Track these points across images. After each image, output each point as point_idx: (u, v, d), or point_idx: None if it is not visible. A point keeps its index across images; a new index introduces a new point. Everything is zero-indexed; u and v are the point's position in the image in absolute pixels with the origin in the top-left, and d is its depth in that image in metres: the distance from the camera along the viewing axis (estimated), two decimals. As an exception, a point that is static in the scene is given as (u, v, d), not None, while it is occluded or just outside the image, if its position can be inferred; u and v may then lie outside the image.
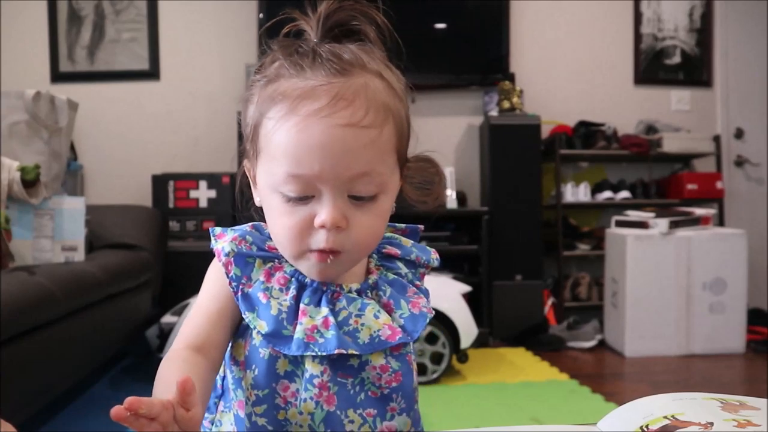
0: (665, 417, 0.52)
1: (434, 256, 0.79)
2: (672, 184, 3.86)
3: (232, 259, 0.72)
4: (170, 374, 0.63)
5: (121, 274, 2.55)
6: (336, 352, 0.67)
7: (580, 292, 3.75)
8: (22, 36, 3.65)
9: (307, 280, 0.72)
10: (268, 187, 0.69)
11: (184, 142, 3.73)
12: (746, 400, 0.54)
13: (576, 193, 3.78)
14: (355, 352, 0.69)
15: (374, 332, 0.70)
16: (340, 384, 0.70)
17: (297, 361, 0.70)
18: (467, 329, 2.76)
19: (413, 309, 0.73)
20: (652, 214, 3.31)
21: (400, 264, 0.77)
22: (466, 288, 2.93)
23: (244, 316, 0.70)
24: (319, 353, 0.68)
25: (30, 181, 2.29)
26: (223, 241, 0.74)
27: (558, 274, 3.74)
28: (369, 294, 0.74)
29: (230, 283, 0.71)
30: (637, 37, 4.04)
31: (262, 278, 0.72)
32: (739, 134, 4.11)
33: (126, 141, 3.71)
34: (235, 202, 0.81)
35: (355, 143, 0.64)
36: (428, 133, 3.47)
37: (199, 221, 3.41)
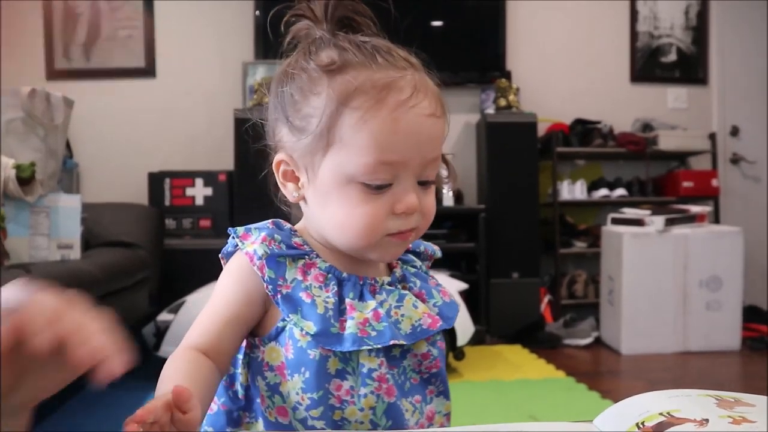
0: (661, 414, 0.52)
1: (436, 248, 0.84)
2: (668, 182, 3.87)
3: (265, 261, 0.70)
4: (174, 374, 0.63)
5: (117, 272, 2.54)
6: (391, 342, 0.69)
7: (577, 289, 3.76)
8: (17, 33, 3.63)
9: (344, 275, 0.72)
10: (342, 178, 0.68)
11: (181, 140, 3.72)
12: (741, 397, 0.55)
13: (572, 190, 3.78)
14: (404, 343, 0.71)
15: (415, 322, 0.72)
16: (393, 374, 0.71)
17: (346, 358, 0.68)
18: (464, 327, 2.76)
19: (444, 297, 0.77)
20: (648, 212, 3.31)
21: (413, 257, 0.80)
22: (463, 285, 2.93)
23: (287, 318, 0.68)
24: (375, 346, 0.68)
25: (26, 178, 2.28)
26: (251, 242, 0.71)
27: (555, 271, 3.74)
28: (399, 286, 0.76)
29: (267, 287, 0.69)
30: (633, 35, 4.04)
31: (298, 277, 0.70)
32: (734, 132, 4.11)
33: (122, 139, 3.70)
34: (273, 195, 0.81)
35: (435, 131, 0.70)
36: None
37: (196, 219, 3.40)
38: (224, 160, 3.51)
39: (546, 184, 3.78)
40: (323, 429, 0.67)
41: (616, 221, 3.42)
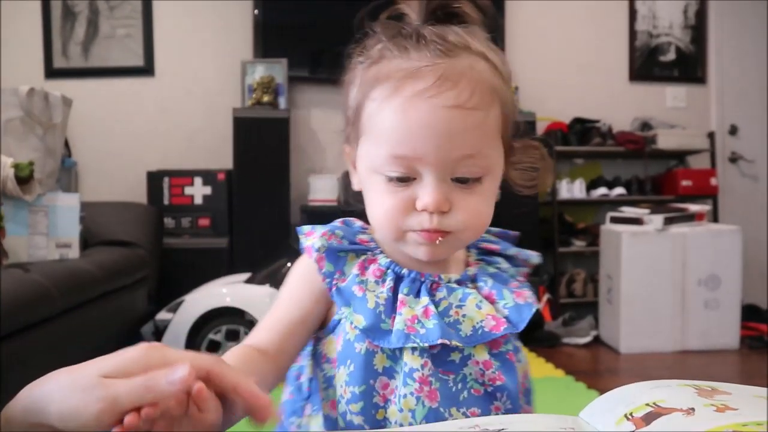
0: (647, 404, 0.53)
1: (535, 254, 0.78)
2: (667, 181, 3.87)
3: (324, 254, 0.70)
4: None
5: (116, 271, 2.54)
6: (439, 342, 0.65)
7: (576, 288, 3.76)
8: (16, 32, 3.63)
9: (404, 271, 0.70)
10: (369, 168, 0.68)
11: (180, 139, 3.72)
12: (717, 386, 0.55)
13: (571, 189, 3.79)
14: (458, 344, 0.66)
15: (477, 323, 0.67)
16: (442, 380, 0.66)
17: (396, 357, 0.66)
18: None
19: (518, 299, 0.70)
20: (647, 211, 3.32)
21: (500, 259, 0.76)
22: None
23: (338, 312, 0.69)
24: (421, 344, 0.65)
25: (24, 177, 2.28)
26: (313, 238, 0.72)
27: (553, 270, 3.75)
28: (469, 285, 0.71)
29: (323, 279, 0.69)
30: (632, 34, 4.04)
31: (356, 271, 0.70)
32: (733, 131, 4.12)
33: (121, 137, 3.70)
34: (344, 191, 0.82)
35: (461, 125, 0.63)
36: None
37: (195, 218, 3.40)
38: (223, 159, 3.52)
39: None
40: (360, 426, 0.66)
41: (615, 220, 3.43)
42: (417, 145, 0.63)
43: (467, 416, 0.66)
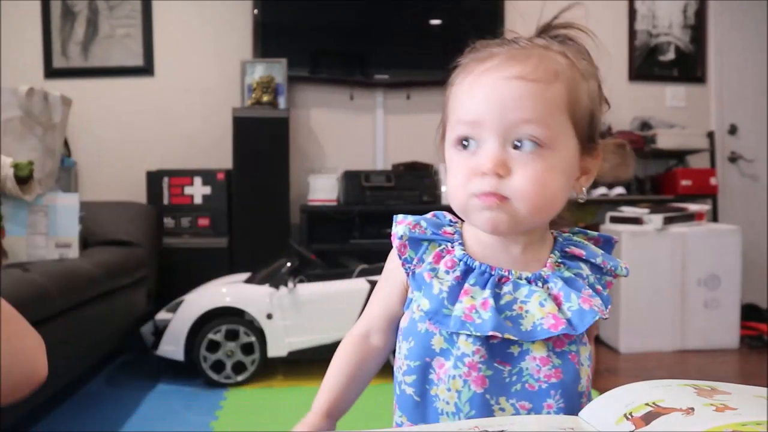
0: (647, 404, 0.53)
1: (623, 265, 0.78)
2: (666, 181, 3.87)
3: (407, 242, 0.76)
4: (336, 366, 0.79)
5: (115, 271, 2.54)
6: (490, 333, 0.68)
7: (575, 288, 3.76)
8: (15, 32, 3.63)
9: (476, 263, 0.73)
10: (448, 148, 0.74)
11: (179, 139, 3.72)
12: (716, 386, 0.55)
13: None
14: (512, 337, 0.69)
15: (537, 320, 0.70)
16: (495, 369, 0.70)
17: (453, 341, 0.71)
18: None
19: (583, 304, 0.71)
20: (646, 210, 3.32)
21: (583, 265, 0.76)
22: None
23: (411, 295, 0.75)
24: (474, 333, 0.69)
25: (24, 177, 2.28)
26: (400, 226, 0.78)
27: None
28: (539, 284, 0.73)
29: (403, 265, 0.76)
30: (632, 33, 4.04)
31: (431, 260, 0.75)
32: (732, 130, 4.12)
33: (120, 137, 3.70)
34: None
35: (519, 92, 0.68)
36: (424, 129, 3.47)
37: (194, 218, 3.40)
38: (223, 158, 3.51)
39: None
40: (411, 397, 0.73)
41: (615, 220, 3.43)
42: (480, 110, 0.69)
43: (516, 408, 0.69)
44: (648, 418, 0.51)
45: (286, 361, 2.72)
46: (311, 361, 2.71)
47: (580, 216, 3.93)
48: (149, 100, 3.72)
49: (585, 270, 0.76)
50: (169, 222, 3.39)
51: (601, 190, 3.80)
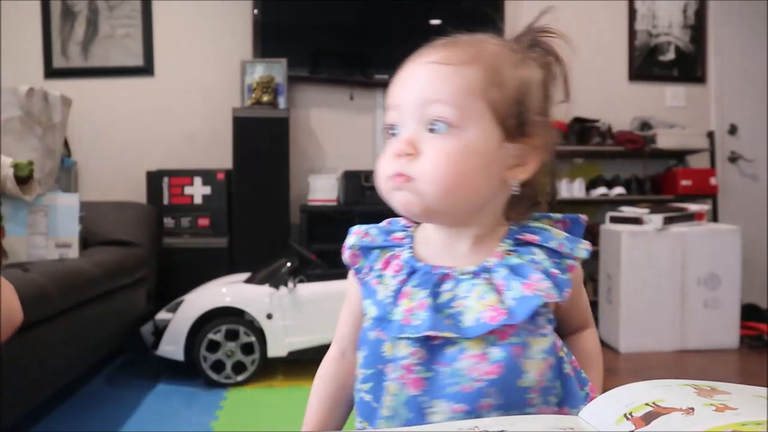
0: (647, 404, 0.53)
1: (583, 246, 0.74)
2: (666, 180, 3.87)
3: (357, 251, 0.78)
4: (317, 388, 0.83)
5: (115, 271, 2.54)
6: (425, 333, 0.67)
7: (575, 288, 3.76)
8: (15, 32, 3.63)
9: (419, 264, 0.73)
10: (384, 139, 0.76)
11: (179, 139, 3.72)
12: (716, 386, 0.55)
13: (571, 189, 3.79)
14: (450, 335, 0.67)
15: (477, 315, 0.68)
16: (435, 371, 0.68)
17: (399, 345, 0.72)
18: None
19: (525, 290, 0.68)
20: (646, 210, 3.32)
21: (536, 250, 0.73)
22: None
23: (363, 303, 0.75)
24: (412, 335, 0.68)
25: (24, 177, 2.28)
26: (351, 236, 0.79)
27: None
28: (483, 277, 0.71)
29: (355, 274, 0.78)
30: (632, 33, 4.04)
31: (379, 266, 0.76)
32: (732, 130, 4.12)
33: (120, 137, 3.70)
34: None
35: (431, 74, 0.70)
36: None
37: (194, 218, 3.40)
38: (223, 158, 3.51)
39: (544, 183, 3.78)
40: (369, 404, 0.73)
41: (615, 220, 3.43)
42: (399, 94, 0.71)
43: (450, 411, 0.67)
44: (648, 418, 0.51)
45: (286, 361, 2.72)
46: (311, 361, 2.71)
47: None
48: (149, 100, 3.72)
49: (539, 255, 0.72)
50: (169, 222, 3.39)
51: (602, 190, 3.80)
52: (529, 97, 0.72)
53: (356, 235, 0.79)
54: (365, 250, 0.78)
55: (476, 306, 0.68)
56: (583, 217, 0.78)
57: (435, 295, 0.70)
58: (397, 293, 0.72)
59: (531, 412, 0.68)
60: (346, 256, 0.79)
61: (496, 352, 0.67)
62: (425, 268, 0.72)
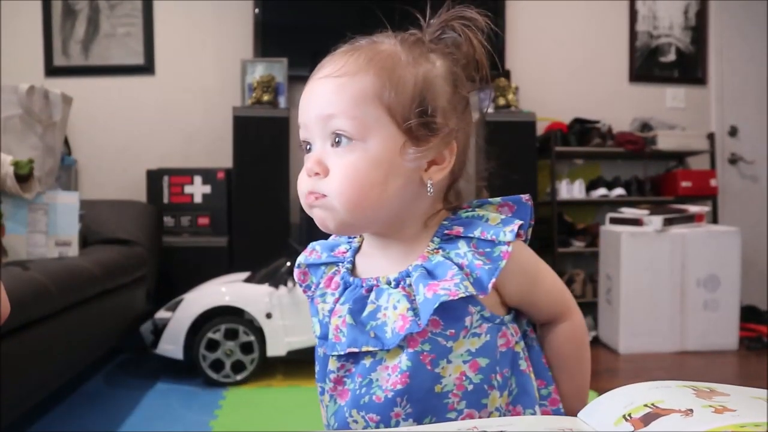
0: (646, 405, 0.53)
1: (508, 229, 0.69)
2: (666, 182, 3.87)
3: (307, 269, 0.80)
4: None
5: (115, 270, 2.54)
6: (347, 350, 0.70)
7: (575, 288, 3.76)
8: (16, 30, 3.63)
9: (351, 278, 0.74)
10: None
11: (179, 138, 3.72)
12: (715, 387, 0.55)
13: (571, 190, 3.79)
14: (370, 349, 0.68)
15: (393, 324, 0.67)
16: (356, 383, 0.70)
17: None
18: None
19: (427, 292, 0.66)
20: (646, 212, 3.32)
21: (461, 243, 0.70)
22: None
23: (312, 321, 0.77)
24: (340, 352, 0.71)
25: (24, 175, 2.28)
26: (300, 255, 0.81)
27: (553, 270, 3.74)
28: (405, 283, 0.69)
29: (305, 292, 0.80)
30: (633, 34, 4.04)
31: (322, 284, 0.77)
32: (733, 132, 4.12)
33: (120, 136, 3.70)
34: None
35: (325, 89, 0.69)
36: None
37: (194, 216, 3.40)
38: (223, 157, 3.51)
39: (544, 183, 3.79)
40: (327, 407, 0.75)
41: (615, 221, 3.43)
42: (303, 113, 0.71)
43: (366, 420, 0.69)
44: (647, 419, 0.51)
45: (285, 360, 2.72)
46: (310, 361, 2.71)
47: (580, 217, 3.93)
48: (150, 98, 3.72)
49: (462, 248, 0.69)
50: (168, 221, 3.39)
51: (602, 191, 3.80)
52: (431, 93, 0.70)
53: (304, 253, 0.81)
54: (312, 267, 0.79)
55: (392, 316, 0.68)
56: (525, 196, 0.76)
57: (360, 308, 0.71)
58: (331, 312, 0.73)
59: (453, 418, 0.67)
60: (295, 274, 0.81)
61: (404, 361, 0.67)
62: (355, 282, 0.73)
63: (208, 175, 3.44)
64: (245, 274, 2.89)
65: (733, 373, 3.02)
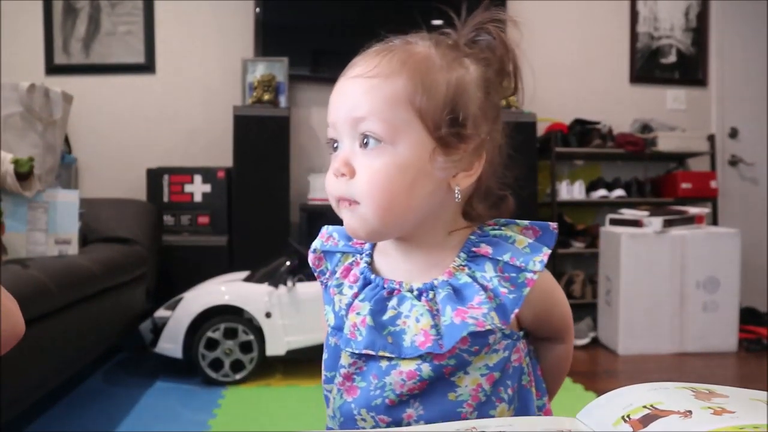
0: (644, 406, 0.53)
1: (538, 259, 0.70)
2: (666, 183, 3.87)
3: (321, 254, 0.79)
4: None
5: (115, 268, 2.54)
6: (362, 351, 0.69)
7: (575, 289, 3.76)
8: (17, 28, 3.63)
9: (372, 276, 0.73)
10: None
11: (180, 136, 3.72)
12: (714, 389, 0.56)
13: (571, 191, 3.79)
14: (386, 354, 0.68)
15: (413, 336, 0.68)
16: (368, 382, 0.70)
17: None
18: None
19: (455, 318, 0.66)
20: (646, 213, 3.32)
21: (488, 266, 0.70)
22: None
23: (325, 309, 0.76)
24: (355, 350, 0.70)
25: (24, 173, 2.28)
26: (316, 240, 0.80)
27: (552, 271, 3.72)
28: (428, 295, 0.69)
29: (318, 277, 0.80)
30: (633, 35, 4.04)
31: (339, 274, 0.77)
32: (733, 134, 4.12)
33: (121, 134, 3.70)
34: None
35: (357, 89, 0.68)
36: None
37: (194, 215, 3.40)
38: (223, 156, 3.51)
39: (544, 184, 3.79)
40: (332, 398, 0.74)
41: (615, 222, 3.43)
42: (332, 112, 0.70)
43: (375, 420, 0.69)
44: (646, 421, 0.51)
45: (284, 359, 2.72)
46: (310, 360, 2.71)
47: (580, 218, 3.93)
48: (150, 97, 3.72)
49: (489, 271, 0.69)
50: (168, 219, 3.39)
51: (602, 192, 3.80)
52: (463, 99, 0.69)
53: (320, 237, 0.80)
54: (328, 254, 0.79)
55: (414, 328, 0.68)
56: (553, 225, 0.75)
57: (381, 310, 0.70)
58: (349, 306, 0.72)
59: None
60: (310, 258, 0.80)
61: (426, 371, 0.67)
62: (377, 281, 0.72)
63: (208, 174, 3.44)
64: (245, 274, 2.89)
65: (732, 374, 3.02)
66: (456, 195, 0.70)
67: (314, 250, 0.80)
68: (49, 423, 2.17)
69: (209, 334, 2.63)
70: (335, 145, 0.71)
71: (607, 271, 3.39)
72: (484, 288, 0.68)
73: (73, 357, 2.30)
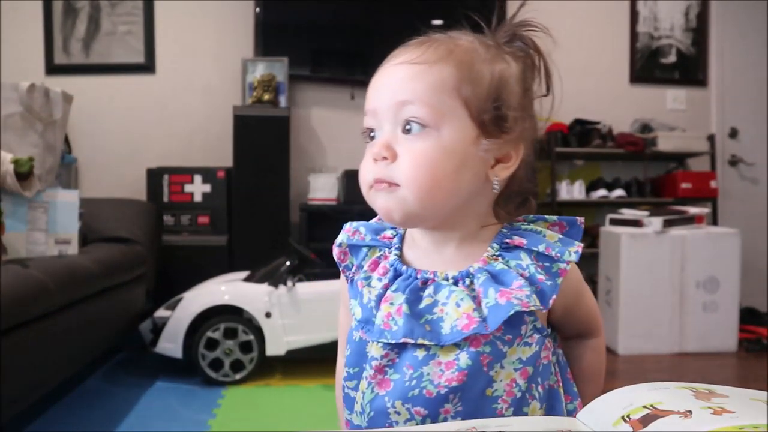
0: (645, 406, 0.53)
1: (573, 250, 0.71)
2: (666, 183, 3.88)
3: (346, 249, 0.78)
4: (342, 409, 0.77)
5: (115, 268, 2.54)
6: (401, 340, 0.68)
7: (574, 289, 3.77)
8: (17, 28, 3.63)
9: (404, 268, 0.72)
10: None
11: (180, 136, 3.72)
12: (714, 388, 0.56)
13: (571, 191, 3.79)
14: (425, 342, 0.67)
15: (454, 322, 0.67)
16: (402, 374, 0.69)
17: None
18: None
19: (500, 298, 0.66)
20: (646, 213, 3.32)
21: (523, 255, 0.70)
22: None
23: (350, 303, 0.75)
24: (390, 340, 0.69)
25: (24, 173, 2.28)
26: (341, 234, 0.79)
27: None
28: (465, 282, 0.69)
29: (343, 272, 0.78)
30: (633, 35, 4.05)
31: (367, 267, 0.75)
32: (733, 134, 4.12)
33: (121, 134, 3.70)
34: None
35: (402, 75, 0.68)
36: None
37: (194, 215, 3.40)
38: (223, 156, 3.52)
39: (545, 184, 3.79)
40: (354, 396, 0.73)
41: (615, 222, 3.43)
42: (373, 98, 0.70)
43: (411, 413, 0.68)
44: (646, 421, 0.51)
45: (284, 359, 2.72)
46: (310, 360, 2.71)
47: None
48: (150, 97, 3.72)
49: (525, 260, 0.70)
50: (168, 219, 3.39)
51: (602, 192, 3.80)
52: (505, 91, 0.70)
53: (346, 232, 0.78)
54: (354, 248, 0.78)
55: (453, 313, 0.67)
56: (581, 219, 0.75)
57: (416, 300, 0.70)
58: (380, 298, 0.71)
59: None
60: (335, 253, 0.78)
61: (464, 360, 0.67)
62: (409, 272, 0.72)
63: (208, 174, 3.44)
64: (245, 273, 2.89)
65: (732, 374, 3.02)
66: (494, 185, 0.71)
67: (340, 245, 0.78)
68: (49, 423, 2.17)
69: (209, 334, 2.63)
70: (372, 134, 0.71)
71: (607, 271, 3.39)
72: (521, 275, 0.69)
73: (74, 357, 2.30)
